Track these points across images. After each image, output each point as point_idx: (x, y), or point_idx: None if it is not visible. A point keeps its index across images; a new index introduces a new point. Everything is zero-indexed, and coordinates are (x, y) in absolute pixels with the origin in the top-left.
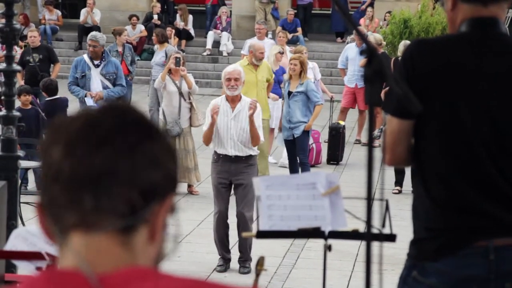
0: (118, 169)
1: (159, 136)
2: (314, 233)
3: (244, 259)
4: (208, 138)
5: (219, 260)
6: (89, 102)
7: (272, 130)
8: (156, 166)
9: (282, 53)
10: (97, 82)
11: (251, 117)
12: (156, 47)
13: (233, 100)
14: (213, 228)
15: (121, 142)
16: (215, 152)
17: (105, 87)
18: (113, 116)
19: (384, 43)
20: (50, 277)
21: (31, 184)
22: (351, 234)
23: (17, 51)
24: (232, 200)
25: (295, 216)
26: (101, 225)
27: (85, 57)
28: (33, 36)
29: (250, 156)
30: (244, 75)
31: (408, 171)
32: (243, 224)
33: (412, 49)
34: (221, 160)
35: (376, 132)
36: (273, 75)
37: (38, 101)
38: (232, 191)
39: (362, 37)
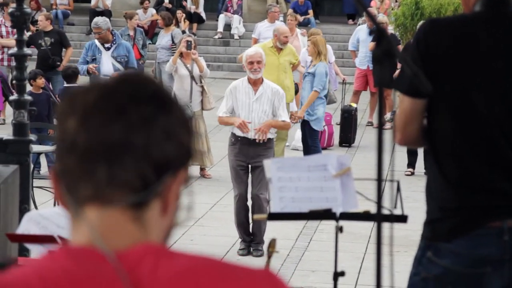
0: (132, 142)
1: (174, 108)
2: (325, 214)
3: (257, 241)
4: (223, 124)
5: (240, 244)
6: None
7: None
8: (170, 139)
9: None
10: (108, 65)
11: (265, 129)
12: (162, 30)
13: (255, 83)
14: (234, 211)
15: (136, 114)
16: (233, 134)
17: (116, 70)
18: (128, 87)
19: (390, 26)
20: (69, 253)
21: (44, 169)
22: (362, 216)
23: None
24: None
25: (306, 198)
26: (115, 199)
27: (96, 41)
28: (41, 20)
29: (269, 139)
30: (265, 57)
31: (420, 153)
32: (258, 206)
33: (425, 29)
34: (239, 142)
35: (388, 115)
36: (298, 59)
37: (50, 85)
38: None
39: (372, 19)
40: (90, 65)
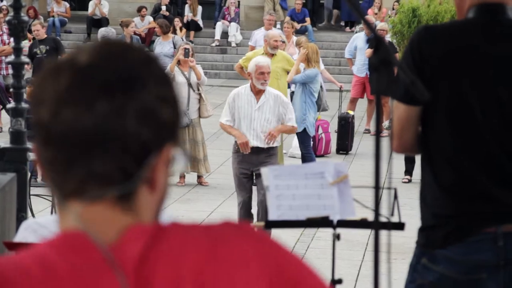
0: (107, 133)
1: (149, 83)
2: (322, 222)
3: None
4: (225, 131)
5: None
6: None
7: None
8: (147, 121)
9: (283, 41)
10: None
11: (276, 134)
12: (158, 38)
13: (258, 92)
14: (238, 219)
15: (108, 105)
16: (236, 142)
17: None
18: (100, 71)
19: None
20: (51, 242)
21: (41, 177)
22: (359, 223)
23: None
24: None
25: (303, 206)
26: (97, 194)
27: None
28: (35, 29)
29: (271, 147)
30: None
31: (418, 160)
32: (263, 212)
33: (419, 35)
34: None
35: (386, 123)
36: (294, 64)
37: None
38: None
39: (369, 26)
40: None
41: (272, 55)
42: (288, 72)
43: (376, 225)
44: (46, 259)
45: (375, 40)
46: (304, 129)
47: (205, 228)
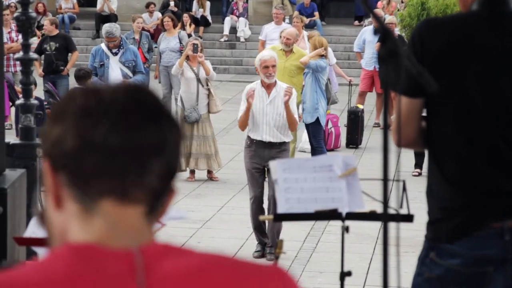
0: (162, 146)
1: (178, 124)
2: (331, 215)
3: (271, 245)
4: (244, 123)
5: (256, 246)
6: None
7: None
8: (179, 149)
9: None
10: (116, 70)
11: (286, 104)
12: (163, 34)
13: (269, 86)
14: (250, 214)
15: (167, 122)
16: (248, 137)
17: (124, 75)
18: (151, 96)
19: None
20: (75, 252)
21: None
22: (368, 215)
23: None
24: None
25: (312, 199)
26: (138, 198)
27: (103, 46)
28: (46, 25)
29: (284, 142)
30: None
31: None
32: (273, 207)
33: (421, 28)
34: (254, 145)
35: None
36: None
37: (55, 88)
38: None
39: (378, 19)
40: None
41: (288, 52)
42: (303, 70)
43: (384, 217)
44: (51, 274)
45: (382, 32)
46: (317, 120)
47: (227, 259)
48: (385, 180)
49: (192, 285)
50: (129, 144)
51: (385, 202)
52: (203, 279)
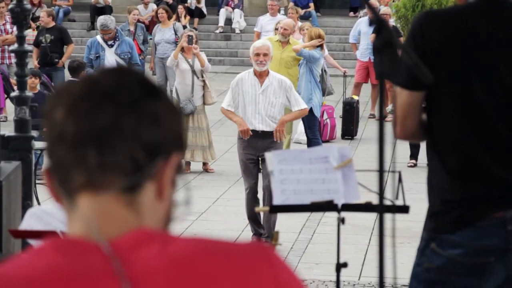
0: (121, 125)
1: (161, 95)
2: (327, 206)
3: (267, 235)
4: (227, 117)
5: (252, 237)
6: None
7: None
8: (159, 124)
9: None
10: (112, 62)
11: (281, 128)
12: (157, 25)
13: (261, 75)
14: (245, 205)
15: (122, 99)
16: None
17: None
18: (113, 75)
19: (391, 18)
20: (57, 246)
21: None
22: (364, 207)
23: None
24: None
25: (308, 190)
26: (107, 184)
27: (98, 38)
28: (42, 16)
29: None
30: (273, 50)
31: (423, 144)
32: (268, 197)
33: (421, 21)
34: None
35: (390, 107)
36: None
37: (51, 81)
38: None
39: (373, 10)
40: None
41: (285, 43)
42: (299, 61)
43: (380, 209)
44: (33, 270)
45: (377, 22)
46: (310, 111)
47: (211, 243)
48: (381, 171)
49: (177, 274)
50: (84, 130)
51: (381, 193)
52: (188, 266)
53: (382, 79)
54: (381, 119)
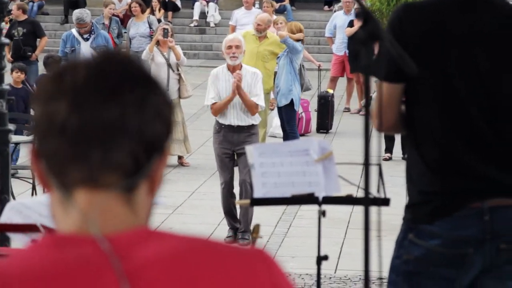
0: (127, 122)
1: (161, 89)
2: (308, 199)
3: (244, 230)
4: (220, 111)
5: (228, 231)
6: None
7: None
8: (160, 118)
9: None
10: (87, 55)
11: (236, 88)
12: (132, 19)
13: (234, 69)
14: (221, 199)
15: (132, 95)
16: (217, 122)
17: None
18: (119, 67)
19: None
20: (54, 242)
21: (22, 159)
22: (345, 199)
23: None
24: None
25: (289, 183)
26: (108, 182)
27: (74, 31)
28: (13, 10)
29: (252, 125)
30: (245, 44)
31: (398, 138)
32: (245, 191)
33: (400, 14)
34: (223, 130)
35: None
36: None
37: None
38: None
39: (359, 2)
40: None
41: (262, 37)
42: (277, 55)
43: (365, 202)
44: (31, 265)
45: (363, 15)
46: (291, 103)
47: (208, 242)
48: (367, 164)
49: (174, 271)
50: (89, 125)
51: (367, 187)
52: (185, 264)
53: (367, 73)
54: (367, 113)
